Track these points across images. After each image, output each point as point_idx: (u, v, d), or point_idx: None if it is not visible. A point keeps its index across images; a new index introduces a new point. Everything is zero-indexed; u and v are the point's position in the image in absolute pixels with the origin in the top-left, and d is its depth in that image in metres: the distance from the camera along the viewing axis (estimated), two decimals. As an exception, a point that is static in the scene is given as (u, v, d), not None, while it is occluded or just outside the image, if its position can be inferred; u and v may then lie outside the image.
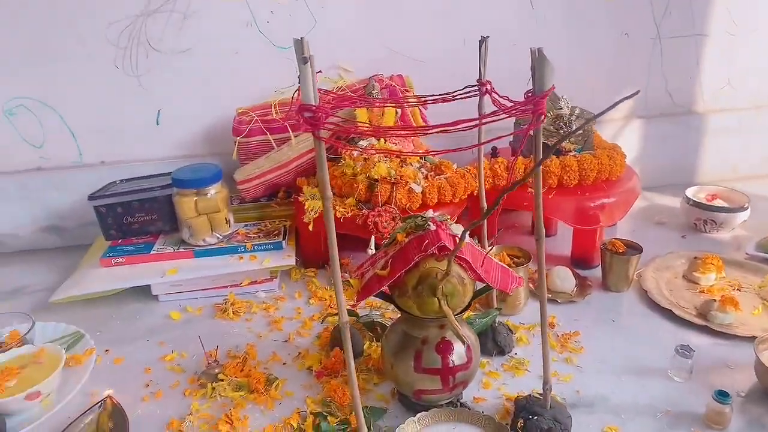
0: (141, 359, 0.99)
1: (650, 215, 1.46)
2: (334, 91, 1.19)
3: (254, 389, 0.89)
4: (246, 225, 1.27)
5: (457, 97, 0.81)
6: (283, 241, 1.20)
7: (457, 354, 0.79)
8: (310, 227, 1.15)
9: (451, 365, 0.79)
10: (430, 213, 0.80)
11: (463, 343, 0.72)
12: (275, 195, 1.35)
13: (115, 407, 0.85)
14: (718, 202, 1.34)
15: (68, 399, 0.88)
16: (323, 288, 1.17)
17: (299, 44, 0.61)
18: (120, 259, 1.17)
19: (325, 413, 0.83)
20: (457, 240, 0.75)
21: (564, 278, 1.11)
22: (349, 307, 0.98)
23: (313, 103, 0.63)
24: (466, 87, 0.81)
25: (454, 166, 1.20)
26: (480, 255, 0.79)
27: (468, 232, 0.65)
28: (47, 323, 1.04)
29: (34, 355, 0.92)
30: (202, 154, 1.39)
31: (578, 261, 1.22)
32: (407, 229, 0.79)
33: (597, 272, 1.19)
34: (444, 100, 0.81)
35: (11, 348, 0.94)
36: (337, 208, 1.13)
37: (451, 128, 0.65)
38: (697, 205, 1.33)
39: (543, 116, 0.64)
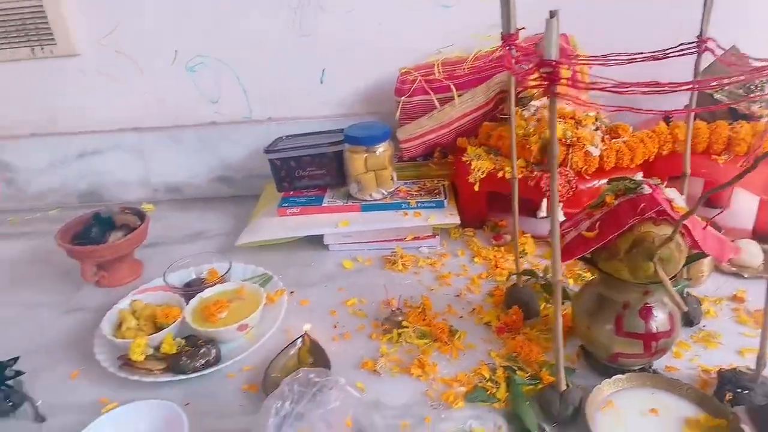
0: (324, 303, 1.06)
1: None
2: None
3: (438, 338, 0.93)
4: (405, 183, 1.31)
5: (670, 55, 0.77)
6: (445, 200, 1.22)
7: (660, 321, 0.78)
8: (476, 187, 1.15)
9: (654, 331, 0.77)
10: (639, 176, 0.77)
11: (681, 309, 0.71)
12: (431, 155, 1.37)
13: (314, 343, 0.92)
14: None
15: (269, 334, 0.96)
16: (485, 248, 1.18)
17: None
18: (295, 209, 1.24)
19: (514, 367, 0.86)
20: (673, 205, 0.73)
21: (752, 252, 1.05)
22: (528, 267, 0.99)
23: (554, 58, 0.63)
24: (681, 44, 0.77)
25: (630, 128, 1.15)
26: (698, 223, 0.76)
27: (705, 198, 0.62)
28: (238, 264, 1.13)
29: (236, 291, 1.02)
30: (364, 113, 1.43)
31: (763, 234, 1.14)
32: (616, 191, 0.77)
33: (786, 248, 1.11)
34: (655, 58, 0.77)
35: (216, 284, 1.04)
36: (506, 168, 1.13)
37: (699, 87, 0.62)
38: None
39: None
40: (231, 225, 1.37)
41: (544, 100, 1.16)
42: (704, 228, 0.76)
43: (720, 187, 0.60)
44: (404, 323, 0.96)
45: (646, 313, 0.78)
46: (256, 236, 1.21)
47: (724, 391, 0.76)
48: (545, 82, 0.65)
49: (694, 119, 1.17)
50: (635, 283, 0.76)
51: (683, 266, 0.78)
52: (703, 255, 0.80)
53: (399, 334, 0.95)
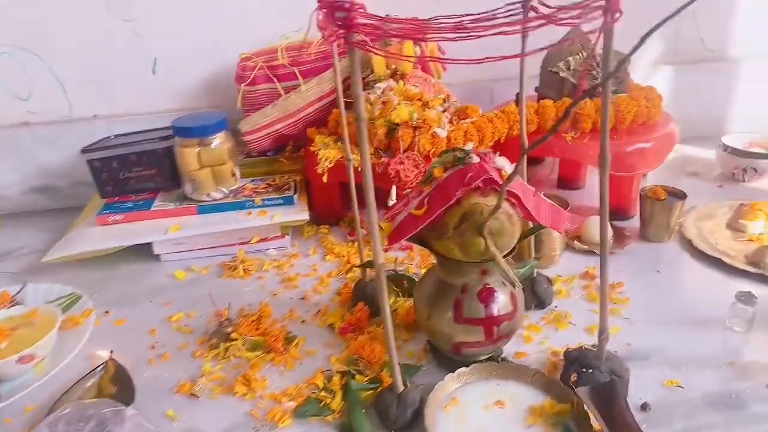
0: (144, 320, 0.90)
1: (681, 167, 1.37)
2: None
3: (272, 348, 0.80)
4: (253, 180, 1.18)
5: (498, 17, 0.71)
6: (295, 196, 1.10)
7: (501, 302, 0.71)
8: (324, 178, 1.05)
9: (495, 314, 0.70)
10: (470, 145, 0.70)
11: (514, 285, 0.64)
12: (283, 149, 1.26)
13: (118, 369, 0.77)
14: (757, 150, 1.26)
15: (65, 362, 0.79)
16: (339, 244, 1.08)
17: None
18: (118, 217, 1.07)
19: (353, 371, 0.75)
20: (503, 174, 0.67)
21: (601, 228, 1.03)
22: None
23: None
24: (507, 5, 0.72)
25: (479, 110, 1.11)
26: (529, 191, 0.70)
27: (525, 157, 0.56)
28: (40, 284, 0.95)
29: (26, 316, 0.83)
30: (205, 106, 1.29)
31: (614, 211, 1.13)
32: (445, 163, 0.70)
33: (634, 223, 1.11)
34: (483, 19, 0.71)
35: (1, 309, 0.85)
36: (353, 156, 1.04)
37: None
38: (736, 152, 1.24)
39: (620, 14, 0.55)
40: (50, 240, 1.16)
41: (390, 82, 1.08)
42: (535, 195, 0.70)
43: (532, 146, 0.53)
44: (233, 335, 0.82)
45: (485, 295, 0.71)
46: (68, 250, 1.02)
47: (570, 373, 0.71)
48: (341, 31, 0.55)
49: (542, 98, 1.15)
50: (471, 263, 0.69)
51: (522, 240, 0.72)
52: (540, 227, 0.75)
53: (226, 348, 0.81)
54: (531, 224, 0.74)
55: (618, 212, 1.13)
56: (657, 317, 0.85)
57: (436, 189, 0.68)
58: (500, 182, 0.65)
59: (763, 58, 1.48)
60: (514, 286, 0.65)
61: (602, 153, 0.61)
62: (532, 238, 0.95)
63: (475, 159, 0.67)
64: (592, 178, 1.27)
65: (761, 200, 1.09)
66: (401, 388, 0.68)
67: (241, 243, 1.08)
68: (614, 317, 0.85)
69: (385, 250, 0.68)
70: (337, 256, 1.05)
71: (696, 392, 0.71)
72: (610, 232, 1.03)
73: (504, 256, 0.69)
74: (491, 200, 0.65)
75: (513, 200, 0.66)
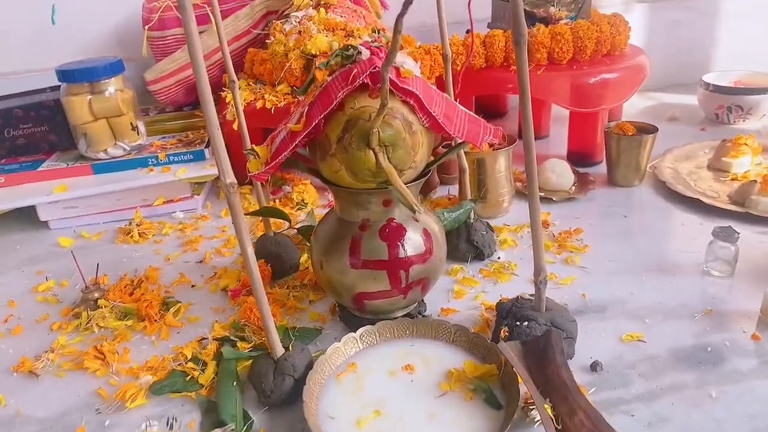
0: (5, 292, 0.75)
1: (659, 113, 1.22)
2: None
3: (146, 316, 0.65)
4: (163, 137, 1.03)
5: None
6: (206, 150, 0.95)
7: (412, 242, 0.56)
8: (235, 125, 0.90)
9: (402, 256, 0.55)
10: (366, 37, 0.55)
11: (414, 210, 0.49)
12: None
13: (-53, 346, 0.62)
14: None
15: None
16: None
17: None
18: (-2, 179, 0.92)
19: (234, 338, 0.60)
20: (404, 73, 0.52)
21: (560, 173, 0.88)
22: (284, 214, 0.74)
23: None
24: None
25: (417, 42, 0.96)
26: (437, 94, 0.55)
27: (401, 20, 0.40)
28: None
29: None
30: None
31: (577, 156, 0.98)
32: (332, 65, 0.55)
33: (599, 169, 0.96)
34: None
35: None
36: (266, 97, 0.89)
37: None
38: (720, 89, 1.09)
39: None
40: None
41: (310, 10, 0.93)
42: (445, 100, 0.55)
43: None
44: (101, 302, 0.67)
45: (389, 232, 0.55)
46: (-67, 217, 0.87)
47: (501, 327, 0.55)
48: None
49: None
50: (367, 192, 0.54)
51: (437, 162, 0.57)
52: (459, 146, 0.60)
53: (88, 317, 0.66)
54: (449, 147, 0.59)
55: (582, 158, 0.98)
56: (620, 265, 0.70)
57: (318, 96, 0.53)
58: (392, 78, 0.50)
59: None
60: (413, 212, 0.50)
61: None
62: (475, 180, 0.80)
63: (365, 53, 0.52)
64: (556, 127, 1.12)
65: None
66: (280, 352, 0.52)
67: (145, 206, 0.93)
68: (569, 266, 0.70)
69: (260, 178, 0.52)
70: (255, 217, 0.90)
71: (662, 347, 0.56)
72: (572, 177, 0.89)
73: (411, 182, 0.54)
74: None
75: (412, 102, 0.51)
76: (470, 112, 0.57)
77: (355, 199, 0.55)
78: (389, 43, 0.51)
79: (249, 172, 0.55)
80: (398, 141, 0.50)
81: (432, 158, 0.58)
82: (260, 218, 0.86)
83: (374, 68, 0.49)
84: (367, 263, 0.55)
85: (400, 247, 0.55)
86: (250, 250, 0.49)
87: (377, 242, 0.55)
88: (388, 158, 0.50)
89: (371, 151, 0.49)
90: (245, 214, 0.78)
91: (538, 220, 0.51)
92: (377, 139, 0.49)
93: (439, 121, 0.52)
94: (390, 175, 0.49)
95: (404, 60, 0.53)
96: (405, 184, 0.51)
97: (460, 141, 0.58)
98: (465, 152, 0.75)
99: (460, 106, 0.57)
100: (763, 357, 0.53)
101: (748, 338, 0.56)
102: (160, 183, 0.91)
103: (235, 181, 0.47)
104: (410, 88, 0.50)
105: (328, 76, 0.54)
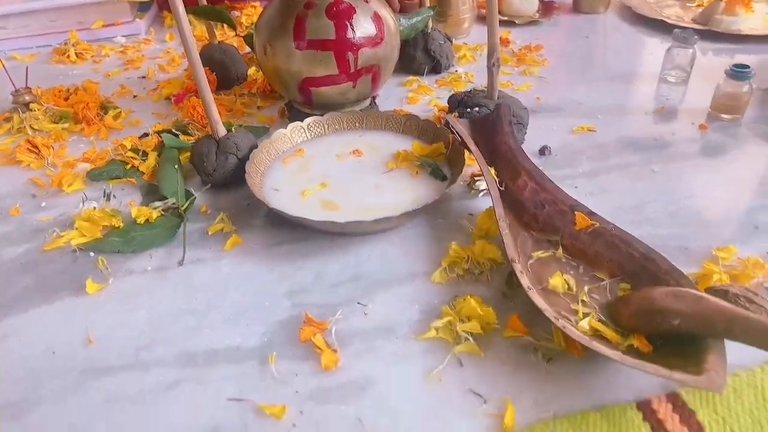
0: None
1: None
2: None
3: (83, 118, 0.62)
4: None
5: None
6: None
7: (362, 24, 0.53)
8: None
9: (350, 36, 0.52)
10: None
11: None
12: None
13: None
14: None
15: None
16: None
17: None
18: None
19: (177, 131, 0.58)
20: None
21: (526, -3, 0.84)
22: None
23: None
24: None
25: None
26: None
27: None
28: None
29: None
30: None
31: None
32: None
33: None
34: None
35: None
36: None
37: None
38: None
39: None
40: None
41: None
42: None
43: None
44: (34, 106, 0.63)
45: (337, 10, 0.52)
46: None
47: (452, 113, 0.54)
48: None
49: None
50: (313, -40, 0.49)
51: (385, -66, 0.52)
52: None
53: (21, 120, 0.62)
54: None
55: (549, -15, 0.93)
56: (578, 76, 0.68)
57: None
58: None
59: None
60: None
61: None
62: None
63: None
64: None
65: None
66: (222, 132, 0.50)
67: (82, 29, 0.86)
68: (526, 77, 0.68)
69: None
70: (203, 38, 0.84)
71: (611, 137, 0.56)
72: (536, 3, 0.85)
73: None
74: None
75: None
76: None
77: (300, -30, 0.51)
78: None
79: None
80: None
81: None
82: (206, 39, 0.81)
83: None
84: (314, 43, 0.52)
85: (349, 27, 0.52)
86: (189, 33, 0.45)
87: (324, 21, 0.52)
88: None
89: None
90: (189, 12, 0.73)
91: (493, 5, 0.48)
92: None
93: None
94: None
95: None
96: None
97: None
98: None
99: None
100: (707, 142, 0.54)
101: (695, 129, 0.56)
102: (97, 2, 0.84)
103: None
104: None
105: None
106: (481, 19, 0.84)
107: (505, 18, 0.82)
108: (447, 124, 0.54)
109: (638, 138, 0.55)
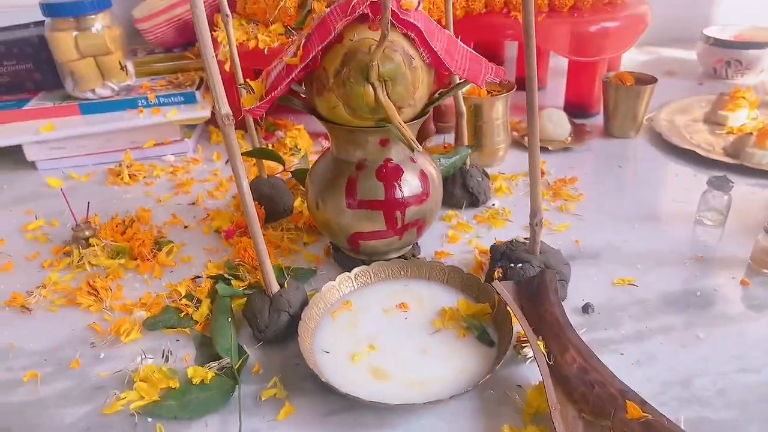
0: (-5, 230, 0.74)
1: (657, 67, 1.21)
2: None
3: (138, 254, 0.65)
4: (153, 78, 1.00)
5: None
6: (197, 92, 0.93)
7: (408, 182, 0.55)
8: (227, 66, 0.87)
9: (398, 197, 0.55)
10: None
11: (412, 149, 0.48)
12: (192, 43, 1.07)
13: (-64, 281, 0.61)
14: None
15: None
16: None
17: None
18: (-20, 117, 0.89)
19: (228, 276, 0.60)
20: (403, 2, 0.50)
21: (557, 122, 0.87)
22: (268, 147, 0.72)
23: None
24: None
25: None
26: (439, 31, 0.53)
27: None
28: None
29: None
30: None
31: (574, 107, 0.97)
32: (330, -4, 0.53)
33: (596, 120, 0.95)
34: None
35: None
36: (259, 37, 0.86)
37: None
38: (720, 43, 1.07)
39: None
40: None
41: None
42: (447, 35, 0.53)
43: None
44: (93, 240, 0.67)
45: (386, 172, 0.55)
46: None
47: (495, 269, 0.56)
48: None
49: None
50: (364, 130, 0.53)
51: (438, 100, 0.56)
52: (463, 84, 0.58)
53: (80, 255, 0.65)
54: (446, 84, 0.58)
55: (579, 108, 0.97)
56: (614, 214, 0.70)
57: (316, 28, 0.51)
58: (393, 8, 0.48)
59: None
60: (412, 150, 0.49)
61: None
62: (472, 127, 0.79)
63: (366, -16, 0.50)
64: (555, 79, 1.10)
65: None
66: (275, 288, 0.53)
67: (134, 148, 0.91)
68: (563, 214, 0.70)
69: (255, 114, 0.51)
70: (247, 160, 0.88)
71: (652, 292, 0.56)
72: (568, 127, 0.89)
73: (410, 121, 0.53)
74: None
75: (414, 36, 0.50)
76: (471, 50, 0.55)
77: (352, 137, 0.54)
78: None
79: (243, 107, 0.53)
80: (398, 76, 0.49)
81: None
82: (253, 162, 0.85)
83: (374, -1, 0.48)
84: (364, 203, 0.55)
85: (397, 187, 0.55)
86: (246, 184, 0.48)
87: (374, 182, 0.55)
88: (387, 94, 0.49)
89: (370, 86, 0.48)
90: (243, 154, 0.77)
91: (537, 162, 0.51)
92: (377, 73, 0.48)
93: (440, 56, 0.51)
94: (389, 111, 0.48)
95: (406, -8, 0.51)
96: (406, 122, 0.51)
97: (460, 81, 0.57)
98: (463, 97, 0.74)
99: (461, 43, 0.55)
100: (750, 301, 0.55)
101: (737, 284, 0.57)
102: (150, 125, 0.89)
103: (230, 112, 0.46)
104: (412, 21, 0.49)
105: (326, 7, 0.52)
106: (516, 143, 0.87)
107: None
108: (490, 278, 0.55)
109: (680, 294, 0.56)
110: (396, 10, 0.48)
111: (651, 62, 1.24)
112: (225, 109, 0.46)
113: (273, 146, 0.92)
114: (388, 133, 0.53)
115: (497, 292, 0.50)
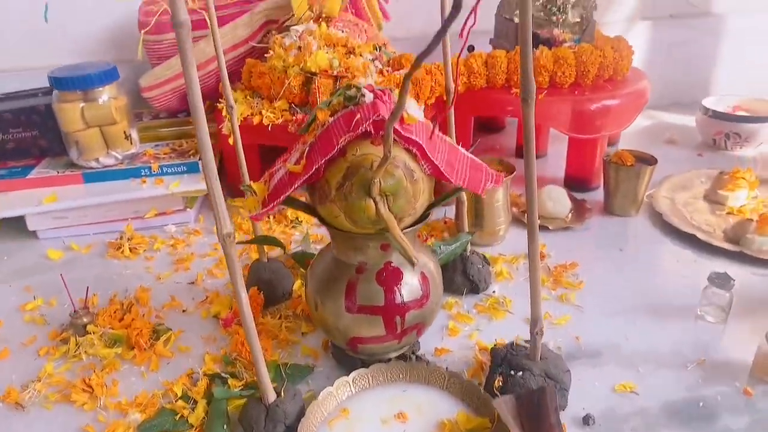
0: (-8, 309, 0.74)
1: (657, 134, 1.22)
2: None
3: (135, 344, 0.64)
4: (157, 145, 1.01)
5: None
6: (200, 162, 0.93)
7: (409, 286, 0.55)
8: (230, 141, 0.88)
9: (398, 302, 0.54)
10: (365, 80, 0.54)
11: (412, 263, 0.48)
12: (198, 110, 1.08)
13: (-70, 372, 0.60)
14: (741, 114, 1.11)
15: None
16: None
17: None
18: (-16, 186, 0.90)
19: (225, 374, 0.59)
20: (407, 119, 0.50)
21: (556, 199, 0.87)
22: (279, 241, 0.73)
23: None
24: None
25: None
26: (440, 142, 0.54)
27: (410, 79, 0.39)
28: None
29: None
30: (112, 62, 1.11)
31: (574, 181, 0.98)
32: (334, 105, 0.53)
33: (596, 195, 0.95)
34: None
35: None
36: (263, 113, 0.87)
37: None
38: (718, 115, 1.09)
39: None
40: None
41: (311, 25, 0.91)
42: (447, 144, 0.54)
43: (416, 63, 0.37)
44: (90, 327, 0.66)
45: (386, 276, 0.55)
46: None
47: (495, 375, 0.55)
48: None
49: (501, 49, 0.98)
50: (365, 235, 0.53)
51: (436, 205, 0.56)
52: (459, 189, 0.59)
53: (77, 344, 0.65)
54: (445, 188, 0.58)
55: (579, 182, 0.97)
56: (615, 305, 0.69)
57: (319, 137, 0.52)
58: (397, 127, 0.49)
59: (750, 13, 1.31)
60: (412, 265, 0.49)
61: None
62: (472, 209, 0.79)
63: (368, 96, 0.51)
64: (555, 145, 1.11)
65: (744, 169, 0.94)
66: (272, 397, 0.52)
67: (136, 218, 0.91)
68: (563, 304, 0.70)
69: (256, 218, 0.52)
70: (247, 233, 0.89)
71: (655, 400, 0.56)
72: (568, 204, 0.89)
73: (408, 227, 0.53)
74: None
75: (414, 150, 0.50)
76: (472, 156, 0.56)
77: (352, 243, 0.54)
78: (396, 91, 0.50)
79: (247, 211, 0.54)
80: (400, 190, 0.49)
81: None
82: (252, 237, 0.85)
83: (377, 116, 0.48)
84: (363, 308, 0.54)
85: (397, 292, 0.54)
86: (245, 300, 0.48)
87: (374, 286, 0.54)
88: (389, 207, 0.49)
89: (371, 200, 0.49)
90: (238, 243, 0.78)
91: (537, 278, 0.51)
92: (378, 188, 0.48)
93: (441, 169, 0.51)
94: (389, 224, 0.48)
95: (408, 104, 0.52)
96: (404, 229, 0.51)
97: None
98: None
99: (461, 149, 0.56)
100: (754, 415, 0.54)
101: (740, 393, 0.56)
102: (152, 196, 0.90)
103: (233, 231, 0.46)
104: (413, 137, 0.49)
105: (330, 116, 0.53)
106: (516, 220, 0.87)
107: (539, 222, 0.86)
108: (491, 387, 0.55)
109: (683, 404, 0.55)
110: (398, 128, 0.49)
111: (651, 128, 1.25)
112: (227, 228, 0.46)
113: (274, 217, 0.92)
114: (389, 239, 0.53)
115: (498, 408, 0.50)
